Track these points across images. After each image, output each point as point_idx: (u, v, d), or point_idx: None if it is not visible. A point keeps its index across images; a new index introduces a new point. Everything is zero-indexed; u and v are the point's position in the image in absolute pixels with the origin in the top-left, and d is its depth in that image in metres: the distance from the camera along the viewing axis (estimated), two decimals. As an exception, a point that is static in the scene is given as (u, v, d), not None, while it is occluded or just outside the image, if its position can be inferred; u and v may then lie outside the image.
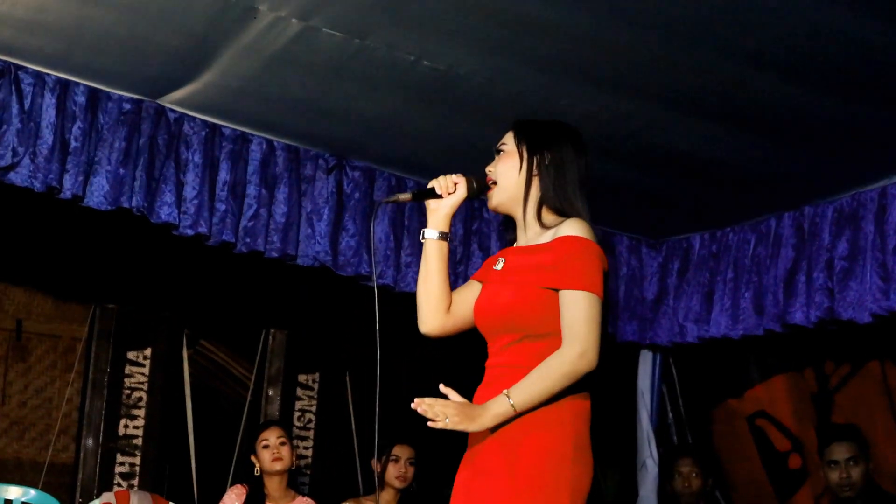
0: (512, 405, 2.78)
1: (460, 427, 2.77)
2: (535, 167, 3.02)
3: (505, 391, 2.80)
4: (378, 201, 4.98)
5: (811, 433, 5.67)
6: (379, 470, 5.40)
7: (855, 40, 3.66)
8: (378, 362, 3.12)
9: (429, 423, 2.77)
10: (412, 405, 2.79)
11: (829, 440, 4.98)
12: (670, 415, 6.26)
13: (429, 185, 3.12)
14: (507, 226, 3.15)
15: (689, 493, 5.49)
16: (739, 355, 5.90)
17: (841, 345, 5.43)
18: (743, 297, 5.36)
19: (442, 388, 2.86)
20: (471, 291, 3.14)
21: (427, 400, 2.78)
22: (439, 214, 3.11)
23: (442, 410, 2.76)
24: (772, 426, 5.90)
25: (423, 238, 3.12)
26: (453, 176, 3.10)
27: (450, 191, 3.09)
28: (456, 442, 3.01)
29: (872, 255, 4.74)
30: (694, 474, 5.51)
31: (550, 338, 2.87)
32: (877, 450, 5.32)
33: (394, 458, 5.36)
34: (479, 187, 3.10)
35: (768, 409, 5.90)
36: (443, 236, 3.10)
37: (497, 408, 2.79)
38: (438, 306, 3.11)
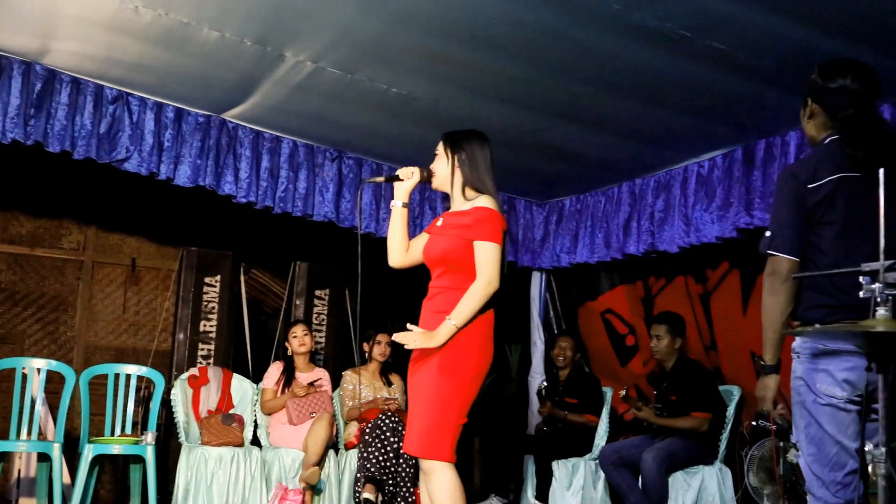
0: (454, 325, 2.83)
1: (426, 346, 2.84)
2: (455, 163, 3.04)
3: (448, 317, 2.84)
4: (363, 180, 4.97)
5: (641, 322, 5.72)
6: (368, 350, 5.47)
7: (645, 68, 3.65)
8: (359, 283, 3.14)
9: (405, 347, 2.87)
10: (393, 337, 2.90)
11: (653, 321, 5.02)
12: (552, 312, 6.28)
13: (396, 172, 3.16)
14: (444, 198, 3.18)
15: (565, 360, 5.55)
16: (595, 273, 5.96)
17: (659, 266, 5.49)
18: (597, 236, 5.41)
19: (409, 326, 2.90)
20: (421, 241, 3.15)
21: (401, 334, 2.86)
22: (402, 191, 3.14)
23: (411, 339, 2.85)
24: (616, 318, 5.93)
25: (392, 206, 3.15)
26: (411, 167, 3.13)
27: (409, 177, 3.12)
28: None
29: (679, 210, 4.80)
30: (569, 348, 5.57)
31: (465, 271, 2.91)
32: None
33: (377, 342, 5.40)
34: (427, 176, 3.13)
35: (613, 308, 5.94)
36: (404, 205, 3.14)
37: (445, 329, 2.84)
38: (401, 249, 3.14)
